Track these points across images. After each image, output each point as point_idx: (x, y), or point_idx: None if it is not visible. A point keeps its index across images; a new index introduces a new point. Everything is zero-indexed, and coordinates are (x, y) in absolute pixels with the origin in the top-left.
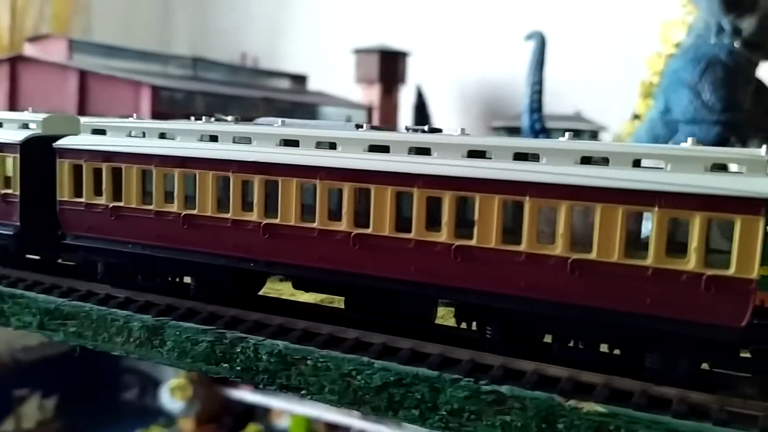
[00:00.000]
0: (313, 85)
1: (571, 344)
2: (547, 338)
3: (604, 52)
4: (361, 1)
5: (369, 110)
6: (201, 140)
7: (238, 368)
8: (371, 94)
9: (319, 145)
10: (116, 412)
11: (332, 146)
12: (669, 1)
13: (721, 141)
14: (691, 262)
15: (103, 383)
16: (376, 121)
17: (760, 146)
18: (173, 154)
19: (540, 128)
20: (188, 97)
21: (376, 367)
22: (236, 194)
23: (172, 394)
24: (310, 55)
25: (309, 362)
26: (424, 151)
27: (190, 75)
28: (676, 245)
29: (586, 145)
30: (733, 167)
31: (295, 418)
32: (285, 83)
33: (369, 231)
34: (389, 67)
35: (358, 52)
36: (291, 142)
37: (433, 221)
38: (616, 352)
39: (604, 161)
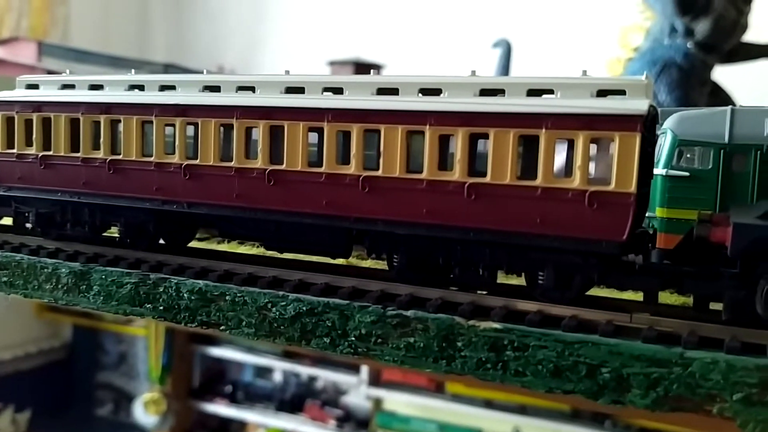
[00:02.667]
0: None
1: (472, 270)
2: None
3: (568, 58)
4: (336, 14)
5: None
6: (129, 89)
7: (161, 308)
8: None
9: (240, 89)
10: (90, 427)
11: (251, 89)
12: (628, 6)
13: None
14: (576, 180)
15: (76, 398)
16: None
17: None
18: (100, 101)
19: None
20: None
21: (290, 299)
22: (159, 138)
23: (146, 409)
24: (287, 67)
25: (227, 298)
26: (335, 90)
27: None
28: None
29: (485, 80)
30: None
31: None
32: None
33: (283, 167)
34: None
35: (333, 64)
36: (213, 88)
37: (343, 156)
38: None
39: (501, 92)
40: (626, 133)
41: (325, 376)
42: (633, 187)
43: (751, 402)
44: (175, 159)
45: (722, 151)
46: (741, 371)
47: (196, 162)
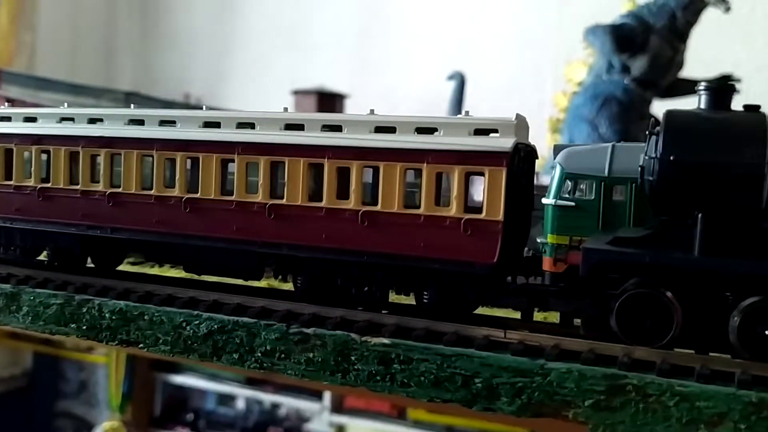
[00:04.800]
0: None
1: (366, 289)
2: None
3: (534, 97)
4: (303, 45)
5: None
6: (59, 122)
7: (84, 327)
8: None
9: (162, 123)
10: None
11: (171, 123)
12: (575, 42)
13: None
14: (453, 209)
15: (36, 426)
16: None
17: None
18: (33, 132)
19: None
20: None
21: (204, 318)
22: (85, 168)
23: None
24: (252, 95)
25: (146, 317)
26: (249, 125)
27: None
28: (442, 195)
29: (379, 118)
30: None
31: None
32: None
33: (198, 195)
34: (327, 108)
35: (297, 93)
36: (136, 121)
37: (251, 185)
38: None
39: (393, 130)
40: (494, 167)
41: (288, 403)
42: (500, 215)
43: (600, 407)
44: (100, 187)
45: (603, 183)
46: (591, 380)
47: (120, 190)
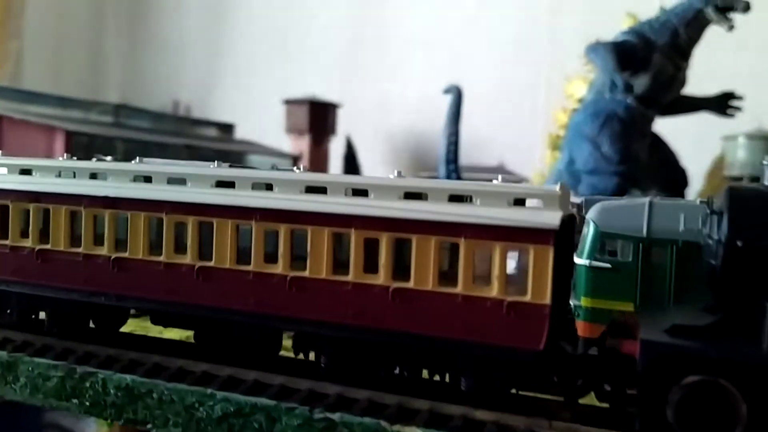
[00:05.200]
0: (244, 134)
1: (397, 371)
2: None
3: (527, 108)
4: (294, 54)
5: (295, 159)
6: (58, 176)
7: (87, 403)
8: (301, 144)
9: (170, 181)
10: None
11: (181, 182)
12: (573, 57)
13: (620, 191)
14: (494, 290)
15: None
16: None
17: (659, 196)
18: (29, 189)
19: (456, 178)
20: (106, 143)
21: (218, 398)
22: (88, 229)
23: None
24: (242, 104)
25: (155, 395)
26: (266, 186)
27: (111, 121)
28: (482, 273)
29: (409, 183)
30: (533, 202)
31: None
32: (211, 131)
33: (211, 264)
34: (319, 117)
35: (288, 102)
36: (145, 178)
37: (270, 254)
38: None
39: (423, 196)
40: (540, 246)
41: None
42: (548, 299)
43: None
44: (104, 251)
45: (641, 244)
46: None
47: (126, 255)
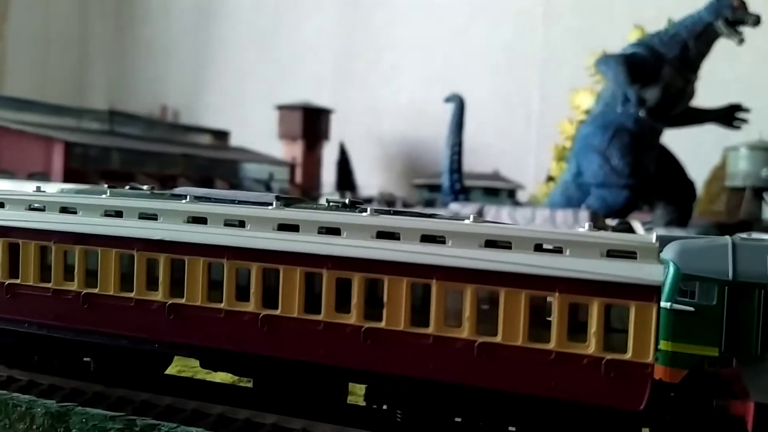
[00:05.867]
0: (235, 140)
1: (481, 425)
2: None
3: (521, 115)
4: (283, 58)
5: (292, 167)
6: (103, 216)
7: None
8: (294, 151)
9: (228, 223)
10: None
11: (242, 224)
12: (577, 69)
13: (629, 204)
14: (591, 347)
15: None
16: (298, 178)
17: (665, 209)
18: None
19: (459, 188)
20: (103, 153)
21: None
22: (140, 273)
23: None
24: (233, 109)
25: None
26: (334, 231)
27: (105, 129)
28: (576, 329)
29: (491, 230)
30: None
31: None
32: (206, 139)
33: (278, 312)
34: (312, 123)
35: (281, 108)
36: (199, 219)
37: (342, 302)
38: None
39: (507, 245)
40: (643, 302)
41: None
42: (650, 357)
43: None
44: (159, 297)
45: (727, 287)
46: None
47: (182, 301)
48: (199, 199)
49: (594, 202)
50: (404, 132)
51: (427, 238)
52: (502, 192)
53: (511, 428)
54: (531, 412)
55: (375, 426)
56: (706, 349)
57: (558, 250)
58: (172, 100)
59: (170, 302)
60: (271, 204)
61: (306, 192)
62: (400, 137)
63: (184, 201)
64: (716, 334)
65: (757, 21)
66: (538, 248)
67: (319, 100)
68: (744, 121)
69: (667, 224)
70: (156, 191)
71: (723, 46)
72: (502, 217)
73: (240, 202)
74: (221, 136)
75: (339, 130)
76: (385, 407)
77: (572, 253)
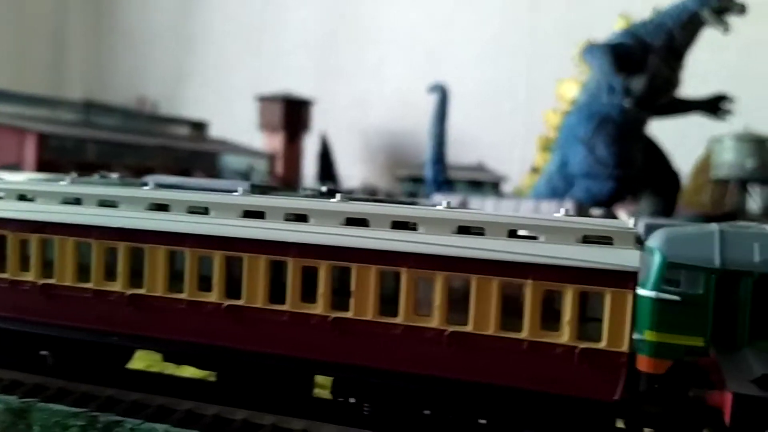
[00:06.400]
0: (216, 131)
1: (451, 418)
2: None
3: (506, 106)
4: (264, 48)
5: (272, 158)
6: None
7: None
8: (275, 142)
9: (191, 210)
10: None
11: (205, 211)
12: (564, 60)
13: (615, 195)
14: (565, 335)
15: None
16: (279, 169)
17: (651, 200)
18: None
19: (443, 179)
20: (78, 145)
21: None
22: (99, 262)
23: None
24: (213, 100)
25: None
26: (301, 217)
27: (81, 120)
28: (550, 317)
29: (464, 216)
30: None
31: None
32: (184, 130)
33: (242, 303)
34: (293, 114)
35: (262, 99)
36: (161, 206)
37: (308, 292)
38: None
39: (480, 232)
40: (618, 289)
41: None
42: (625, 346)
43: None
44: (118, 287)
45: (714, 275)
46: None
47: (143, 291)
48: (168, 186)
49: (579, 193)
50: (388, 123)
51: (398, 225)
52: (486, 184)
53: (481, 421)
54: (502, 403)
55: (342, 420)
56: (692, 339)
57: (532, 237)
58: (151, 90)
59: (130, 293)
60: (247, 192)
61: (287, 183)
62: (383, 128)
63: (146, 188)
64: (703, 323)
65: (742, 9)
66: (512, 234)
67: (303, 92)
68: (729, 111)
69: (652, 215)
70: (125, 180)
71: (709, 36)
72: (485, 209)
73: (211, 191)
74: (201, 127)
75: (322, 122)
76: (352, 400)
77: (547, 239)
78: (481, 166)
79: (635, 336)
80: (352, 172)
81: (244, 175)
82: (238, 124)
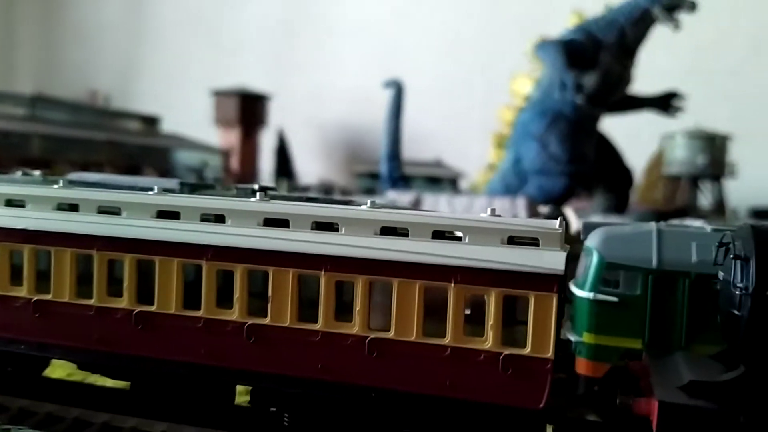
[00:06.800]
0: (169, 126)
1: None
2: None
3: (463, 102)
4: (220, 41)
5: (227, 154)
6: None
7: None
8: (231, 137)
9: (102, 210)
10: None
11: (117, 212)
12: (520, 56)
13: (568, 191)
14: (489, 341)
15: None
16: (235, 165)
17: (605, 196)
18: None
19: (398, 176)
20: (22, 140)
21: None
22: (2, 267)
23: None
24: (166, 95)
25: None
26: (219, 218)
27: (27, 115)
28: (475, 322)
29: (387, 216)
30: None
31: None
32: (135, 125)
33: (153, 309)
34: (249, 109)
35: (217, 94)
36: (70, 207)
37: (224, 297)
38: None
39: (404, 233)
40: (542, 293)
41: None
42: (550, 352)
43: None
44: (23, 293)
45: (650, 276)
46: None
47: (49, 297)
48: (89, 185)
49: (532, 190)
50: (345, 119)
51: (320, 226)
52: (444, 180)
53: (405, 431)
54: (426, 413)
55: (262, 430)
56: (630, 341)
57: (457, 238)
58: (103, 84)
59: (36, 298)
60: (173, 190)
61: (243, 180)
62: (341, 124)
63: (55, 186)
64: (640, 325)
65: (692, 7)
66: (437, 235)
67: (259, 85)
68: (680, 108)
69: (605, 211)
70: (48, 177)
71: (661, 35)
72: (439, 206)
73: (139, 189)
74: (152, 122)
75: (278, 117)
76: (273, 410)
77: (471, 240)
78: (438, 163)
79: (573, 338)
80: (309, 168)
81: (198, 172)
82: (193, 119)
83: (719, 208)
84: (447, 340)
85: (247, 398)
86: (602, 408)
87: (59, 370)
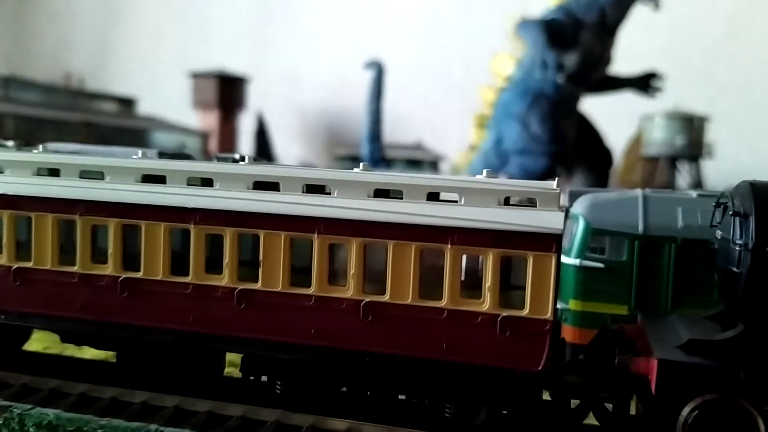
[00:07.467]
0: (146, 107)
1: (368, 395)
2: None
3: (443, 84)
4: (197, 22)
5: (205, 136)
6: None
7: None
8: (209, 120)
9: (84, 175)
10: None
11: (100, 176)
12: (500, 35)
13: (549, 171)
14: (486, 303)
15: None
16: (213, 148)
17: (585, 175)
18: None
19: (380, 158)
20: None
21: None
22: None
23: None
24: (143, 76)
25: None
26: (206, 182)
27: (1, 96)
28: (472, 284)
29: (379, 179)
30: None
31: None
32: (111, 106)
33: (140, 275)
34: (228, 92)
35: (195, 76)
36: (51, 172)
37: (213, 262)
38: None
39: (398, 194)
40: (541, 252)
41: None
42: (549, 313)
43: None
44: (2, 261)
45: (637, 241)
46: None
47: (30, 265)
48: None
49: (513, 170)
50: (325, 101)
51: (311, 189)
52: (425, 163)
53: (401, 396)
54: (423, 377)
55: (252, 399)
56: (617, 307)
57: (452, 199)
58: (77, 66)
59: (16, 266)
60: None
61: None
62: (320, 106)
63: (35, 151)
64: (627, 291)
65: None
66: (432, 197)
67: (236, 66)
68: (659, 89)
69: None
70: (23, 147)
71: (641, 16)
72: None
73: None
74: (129, 103)
75: (257, 99)
76: (264, 378)
77: (467, 201)
78: (419, 145)
79: (560, 306)
80: (289, 151)
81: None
82: (171, 101)
83: (697, 188)
84: (444, 303)
85: (236, 369)
86: (592, 372)
87: (35, 343)
